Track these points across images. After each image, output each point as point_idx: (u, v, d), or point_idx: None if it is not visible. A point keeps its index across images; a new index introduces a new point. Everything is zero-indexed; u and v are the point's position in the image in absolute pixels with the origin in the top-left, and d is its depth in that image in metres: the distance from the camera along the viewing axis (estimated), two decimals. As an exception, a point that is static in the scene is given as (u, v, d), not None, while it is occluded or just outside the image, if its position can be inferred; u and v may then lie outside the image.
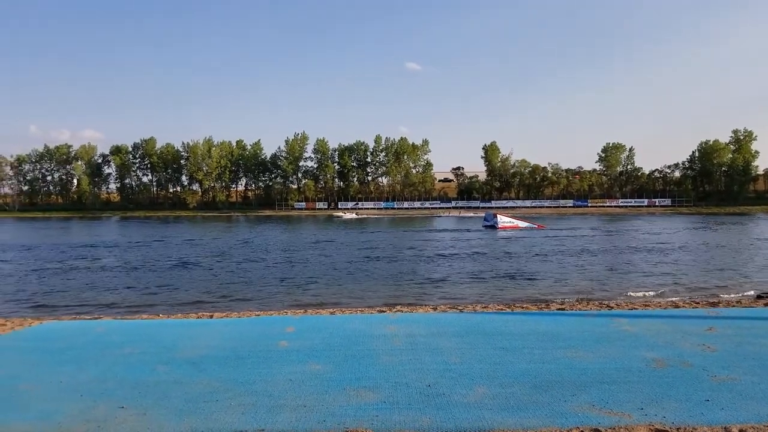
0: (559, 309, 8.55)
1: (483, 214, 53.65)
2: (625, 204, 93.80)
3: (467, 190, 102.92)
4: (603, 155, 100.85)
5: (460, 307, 9.26)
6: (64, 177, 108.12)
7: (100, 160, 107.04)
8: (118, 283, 16.06)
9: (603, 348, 5.75)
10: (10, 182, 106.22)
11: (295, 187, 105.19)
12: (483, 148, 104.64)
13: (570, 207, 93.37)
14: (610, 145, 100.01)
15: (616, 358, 5.34)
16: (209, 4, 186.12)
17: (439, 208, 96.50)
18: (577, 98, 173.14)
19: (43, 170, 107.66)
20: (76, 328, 7.45)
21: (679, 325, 6.87)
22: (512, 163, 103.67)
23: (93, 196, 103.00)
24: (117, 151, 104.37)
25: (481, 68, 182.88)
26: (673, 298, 11.73)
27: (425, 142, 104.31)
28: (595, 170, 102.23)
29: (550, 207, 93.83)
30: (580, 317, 7.57)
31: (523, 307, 8.98)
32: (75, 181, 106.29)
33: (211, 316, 8.52)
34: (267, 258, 22.91)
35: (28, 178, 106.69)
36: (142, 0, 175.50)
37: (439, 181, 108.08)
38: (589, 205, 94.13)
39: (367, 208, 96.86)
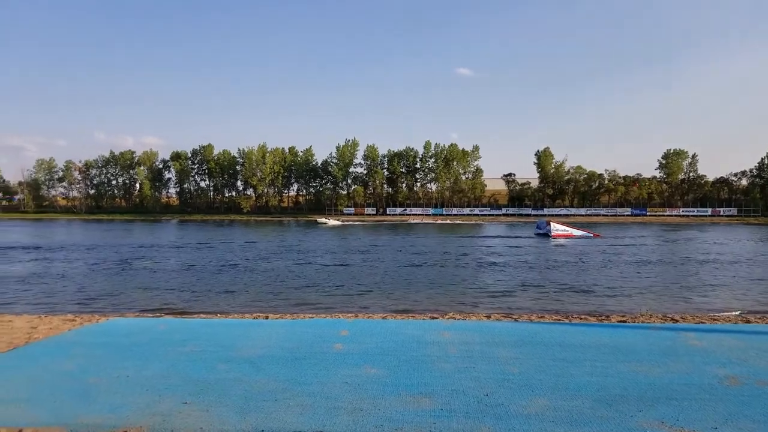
0: (620, 321, 8.22)
1: (535, 222, 52.45)
2: (687, 213, 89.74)
3: (518, 197, 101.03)
4: (663, 162, 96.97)
5: (514, 316, 9.04)
6: (127, 181, 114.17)
7: (161, 166, 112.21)
8: (178, 282, 16.64)
9: (670, 362, 5.46)
10: (78, 186, 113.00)
11: (344, 192, 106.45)
12: (536, 154, 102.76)
13: (627, 216, 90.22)
14: (672, 151, 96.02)
15: (685, 374, 5.06)
16: (266, 16, 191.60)
17: (488, 215, 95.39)
18: (636, 103, 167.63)
19: (108, 175, 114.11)
20: (140, 325, 7.73)
21: (752, 341, 6.45)
22: (566, 170, 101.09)
23: (154, 199, 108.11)
24: (177, 157, 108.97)
25: (534, 72, 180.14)
26: (744, 313, 11.05)
27: (476, 148, 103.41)
28: (654, 177, 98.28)
29: (607, 215, 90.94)
30: (643, 330, 7.24)
31: (581, 318, 8.68)
32: (138, 185, 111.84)
33: (267, 317, 8.68)
34: (317, 261, 23.20)
35: (94, 182, 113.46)
36: (202, 12, 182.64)
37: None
38: (648, 213, 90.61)
39: (415, 214, 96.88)
